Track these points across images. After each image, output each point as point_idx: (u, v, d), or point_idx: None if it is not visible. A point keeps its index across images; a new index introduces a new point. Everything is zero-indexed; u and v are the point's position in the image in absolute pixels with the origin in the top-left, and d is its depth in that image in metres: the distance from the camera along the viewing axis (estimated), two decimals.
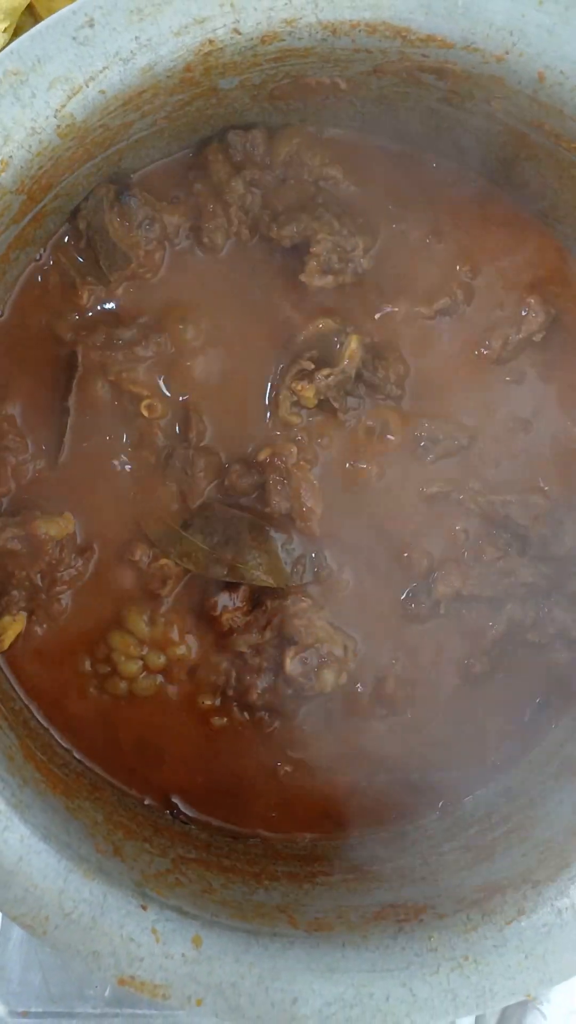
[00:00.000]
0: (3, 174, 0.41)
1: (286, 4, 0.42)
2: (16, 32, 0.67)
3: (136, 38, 0.41)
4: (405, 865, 0.49)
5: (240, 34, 0.42)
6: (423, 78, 0.47)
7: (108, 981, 0.41)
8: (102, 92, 0.42)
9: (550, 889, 0.44)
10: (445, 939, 0.42)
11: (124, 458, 0.51)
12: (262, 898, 0.45)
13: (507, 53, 0.44)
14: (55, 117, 0.41)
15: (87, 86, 0.41)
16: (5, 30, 0.64)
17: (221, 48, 0.43)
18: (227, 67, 0.44)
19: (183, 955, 0.40)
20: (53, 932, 0.40)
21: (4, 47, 0.65)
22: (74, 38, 0.41)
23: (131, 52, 0.41)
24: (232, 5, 0.42)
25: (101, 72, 0.41)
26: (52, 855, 0.41)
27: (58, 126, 0.42)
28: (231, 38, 0.42)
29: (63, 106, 0.41)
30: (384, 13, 0.43)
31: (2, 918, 0.57)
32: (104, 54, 0.41)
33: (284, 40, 0.43)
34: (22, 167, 0.42)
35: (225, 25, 0.42)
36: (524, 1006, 0.56)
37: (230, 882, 0.46)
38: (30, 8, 0.66)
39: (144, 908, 0.41)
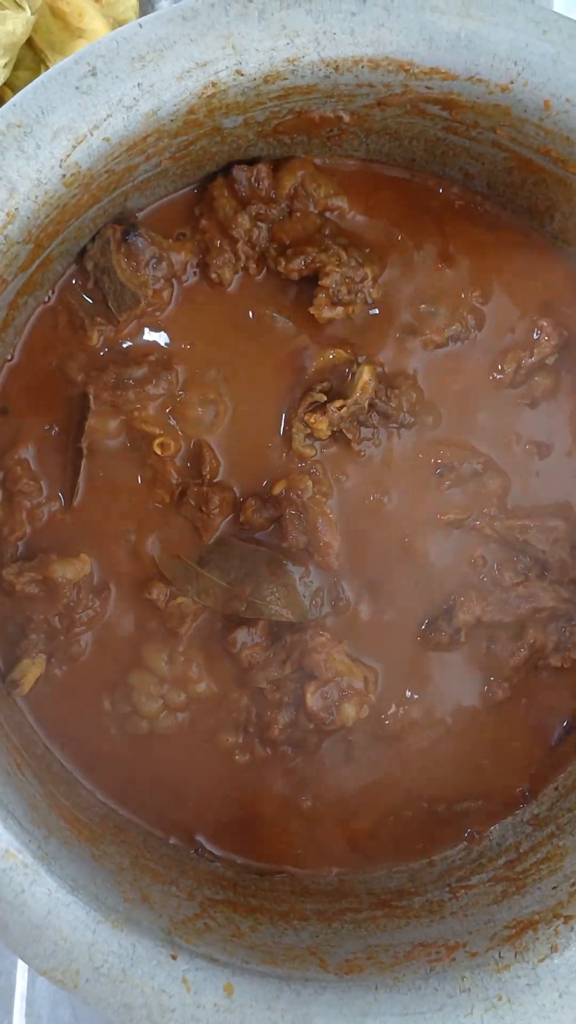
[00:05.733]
0: (10, 226, 0.41)
1: (288, 44, 0.42)
2: (16, 66, 0.67)
3: (139, 84, 0.41)
4: (434, 899, 0.49)
5: (243, 75, 0.42)
6: (427, 108, 0.46)
7: None
8: (106, 139, 0.42)
9: None
10: (478, 979, 0.42)
11: (138, 497, 0.51)
12: (292, 940, 0.45)
13: (512, 83, 0.43)
14: (60, 167, 0.41)
15: (91, 135, 0.41)
16: (5, 65, 0.64)
17: (224, 90, 0.43)
18: (230, 107, 0.44)
19: (215, 1004, 0.40)
20: (84, 986, 0.39)
21: (4, 82, 0.66)
22: (77, 87, 0.41)
23: (134, 99, 0.41)
24: (234, 47, 0.41)
25: (105, 120, 0.41)
26: (80, 907, 0.41)
27: (63, 175, 0.42)
28: (234, 79, 0.42)
29: (68, 156, 0.41)
30: (386, 48, 0.42)
31: None
32: (107, 102, 0.41)
33: (287, 79, 0.43)
34: (28, 217, 0.42)
35: (228, 67, 0.42)
36: None
37: (258, 924, 0.46)
38: (30, 42, 0.66)
39: (174, 957, 0.41)
